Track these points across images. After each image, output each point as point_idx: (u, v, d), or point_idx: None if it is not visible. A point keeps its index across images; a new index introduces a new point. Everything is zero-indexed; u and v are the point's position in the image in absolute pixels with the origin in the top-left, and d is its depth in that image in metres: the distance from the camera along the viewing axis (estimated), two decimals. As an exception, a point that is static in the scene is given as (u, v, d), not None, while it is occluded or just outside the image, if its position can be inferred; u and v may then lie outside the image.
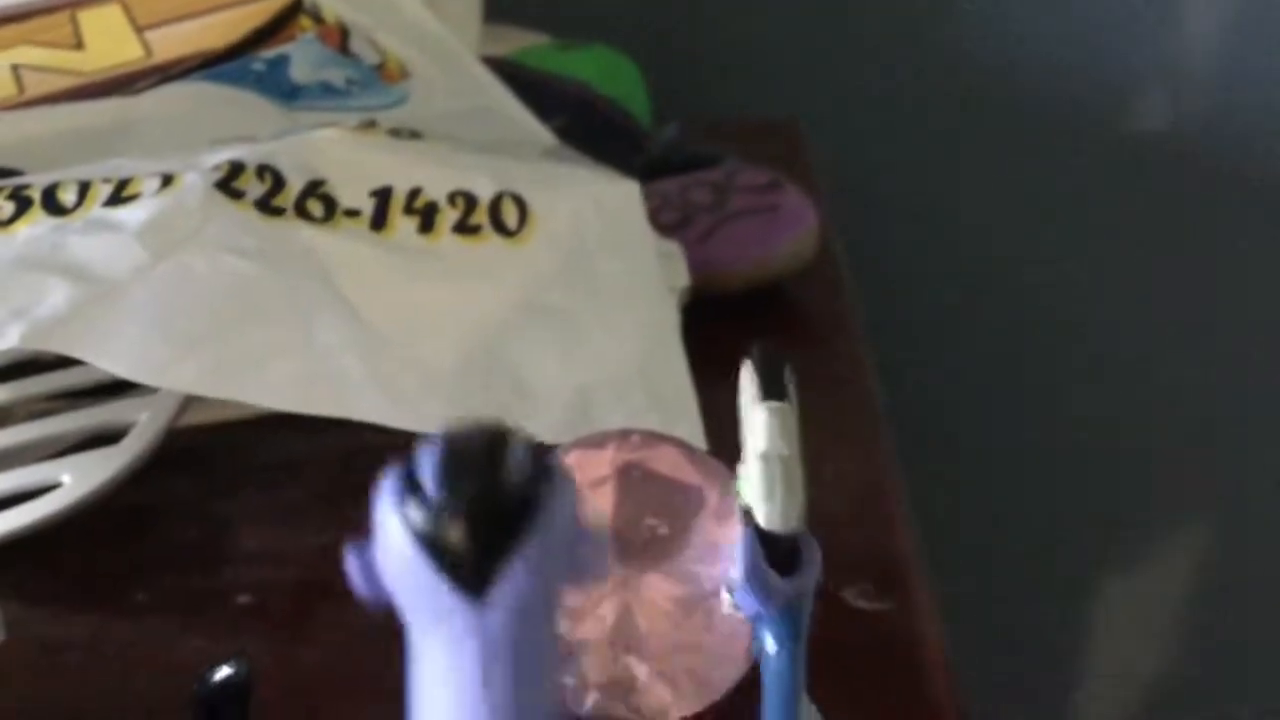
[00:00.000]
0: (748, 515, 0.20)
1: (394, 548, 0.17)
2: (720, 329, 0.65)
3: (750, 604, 0.21)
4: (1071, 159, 1.05)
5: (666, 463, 0.42)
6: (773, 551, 0.20)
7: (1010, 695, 1.10)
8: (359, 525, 0.19)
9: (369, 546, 0.17)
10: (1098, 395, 1.10)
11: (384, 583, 0.17)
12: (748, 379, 0.20)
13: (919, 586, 0.47)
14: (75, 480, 0.48)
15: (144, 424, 0.48)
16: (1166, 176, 1.04)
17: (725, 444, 0.53)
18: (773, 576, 0.21)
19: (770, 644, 0.22)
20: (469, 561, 0.16)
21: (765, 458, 0.20)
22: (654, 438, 0.43)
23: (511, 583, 0.16)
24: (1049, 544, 1.12)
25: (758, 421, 0.20)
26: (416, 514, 0.16)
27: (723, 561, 0.42)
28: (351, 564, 0.18)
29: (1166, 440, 1.10)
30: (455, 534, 0.16)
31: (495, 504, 0.16)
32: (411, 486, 0.17)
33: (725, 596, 0.21)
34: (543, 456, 0.17)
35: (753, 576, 0.20)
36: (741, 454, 0.21)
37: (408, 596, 0.17)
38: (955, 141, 1.05)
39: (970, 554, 1.07)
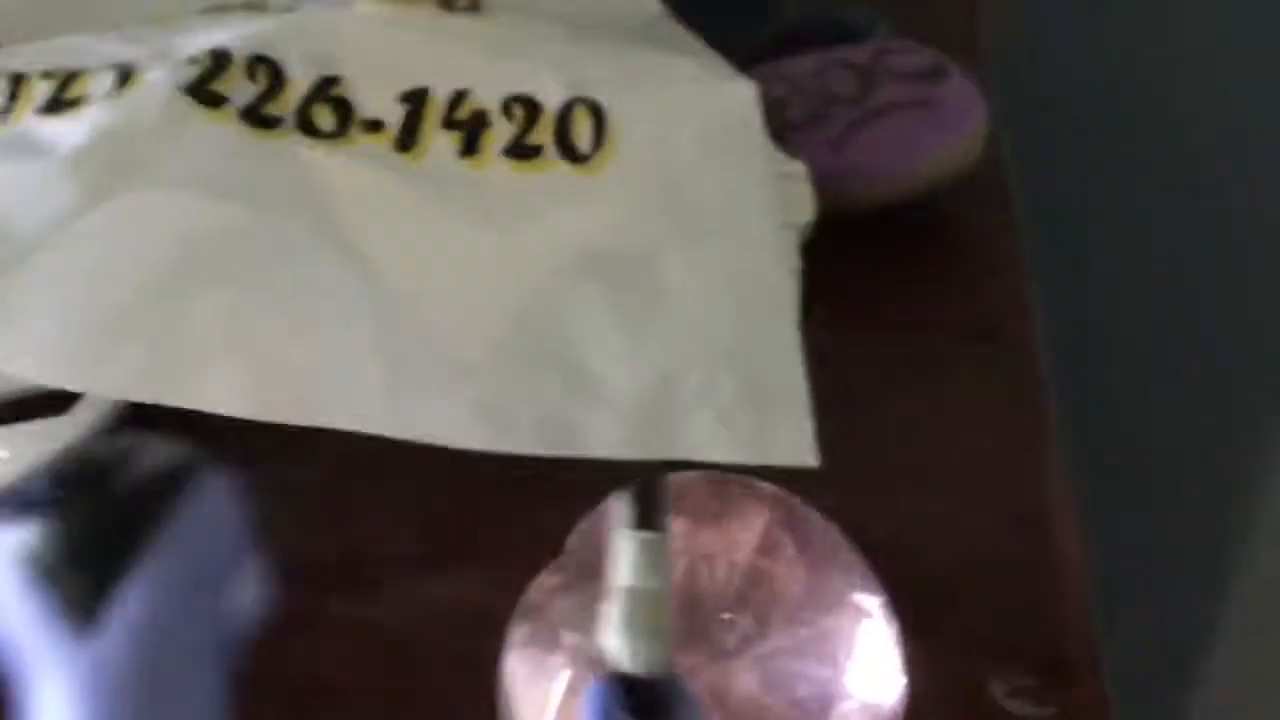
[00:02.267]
0: (608, 657, 0.18)
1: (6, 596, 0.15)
2: (850, 258, 0.52)
3: None
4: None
5: (751, 535, 0.31)
6: (636, 696, 0.18)
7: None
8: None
9: None
10: None
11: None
12: (619, 505, 0.19)
13: (1092, 684, 0.35)
14: (15, 453, 0.38)
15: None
16: None
17: (848, 435, 0.42)
18: None
19: None
20: (79, 581, 0.14)
21: (626, 592, 0.19)
22: (743, 493, 0.32)
23: (133, 608, 0.14)
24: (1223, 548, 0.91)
25: (622, 552, 0.19)
26: (21, 527, 0.14)
27: (832, 662, 0.30)
28: None
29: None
30: (57, 557, 0.14)
31: (110, 507, 0.15)
32: (19, 502, 0.15)
33: None
34: (179, 455, 0.16)
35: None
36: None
37: (15, 635, 0.15)
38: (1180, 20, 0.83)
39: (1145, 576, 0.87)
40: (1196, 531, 0.90)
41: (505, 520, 0.39)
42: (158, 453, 0.15)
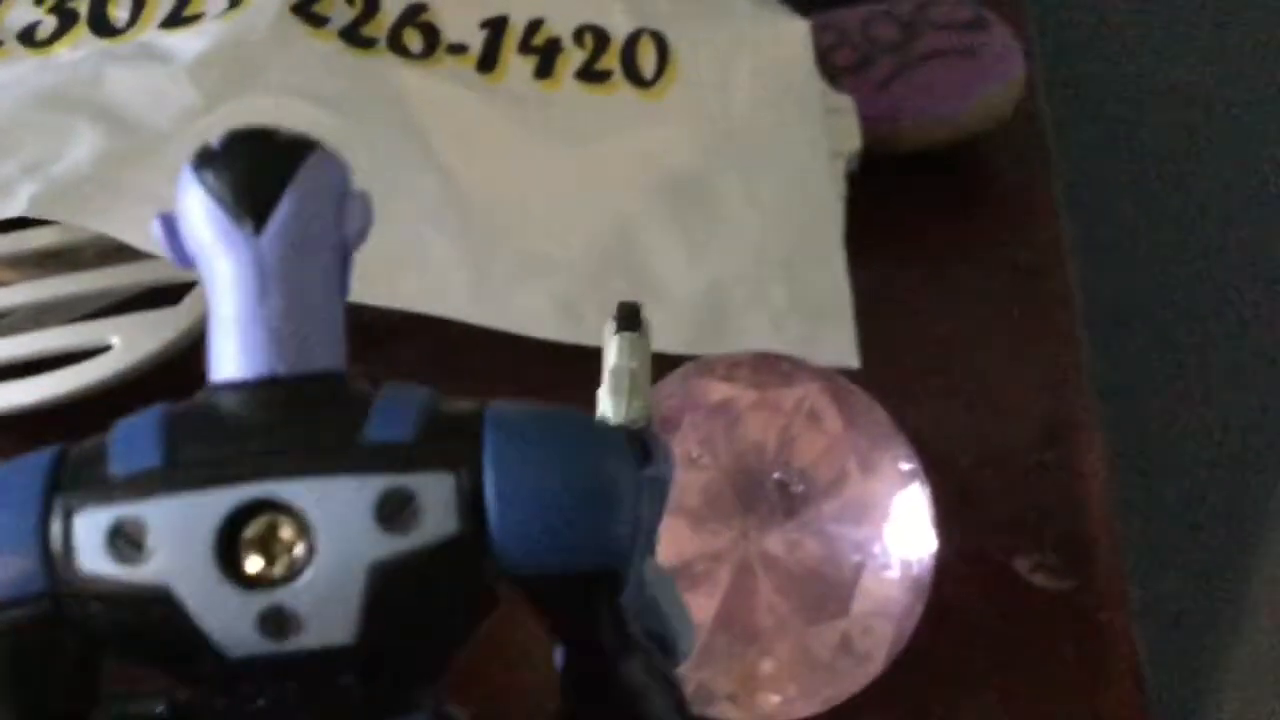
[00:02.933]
0: (601, 417, 0.25)
1: (189, 201, 0.20)
2: (895, 193, 0.56)
3: None
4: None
5: (802, 404, 0.34)
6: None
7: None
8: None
9: (173, 214, 0.21)
10: None
11: (186, 242, 0.21)
12: (607, 326, 0.26)
13: (1112, 566, 0.38)
14: (125, 343, 0.42)
15: (207, 284, 0.42)
16: None
17: (891, 351, 0.45)
18: None
19: None
20: (246, 200, 0.20)
21: (613, 370, 0.25)
22: (793, 368, 0.35)
23: (281, 217, 0.20)
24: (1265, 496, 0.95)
25: (609, 348, 0.25)
26: (206, 173, 0.20)
27: (871, 524, 0.34)
28: (158, 228, 0.21)
29: None
30: (235, 179, 0.20)
31: (267, 157, 0.20)
32: (204, 157, 0.20)
33: None
34: (306, 137, 0.21)
35: None
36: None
37: (202, 242, 0.20)
38: None
39: (1167, 507, 0.90)
40: (1220, 462, 0.93)
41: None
42: (293, 135, 0.21)
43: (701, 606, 0.33)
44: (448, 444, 0.20)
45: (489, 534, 0.20)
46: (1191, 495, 0.93)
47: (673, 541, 0.34)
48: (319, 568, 0.19)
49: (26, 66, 0.39)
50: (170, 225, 0.21)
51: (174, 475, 0.20)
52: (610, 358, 0.25)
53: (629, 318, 0.25)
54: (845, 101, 0.50)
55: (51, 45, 0.39)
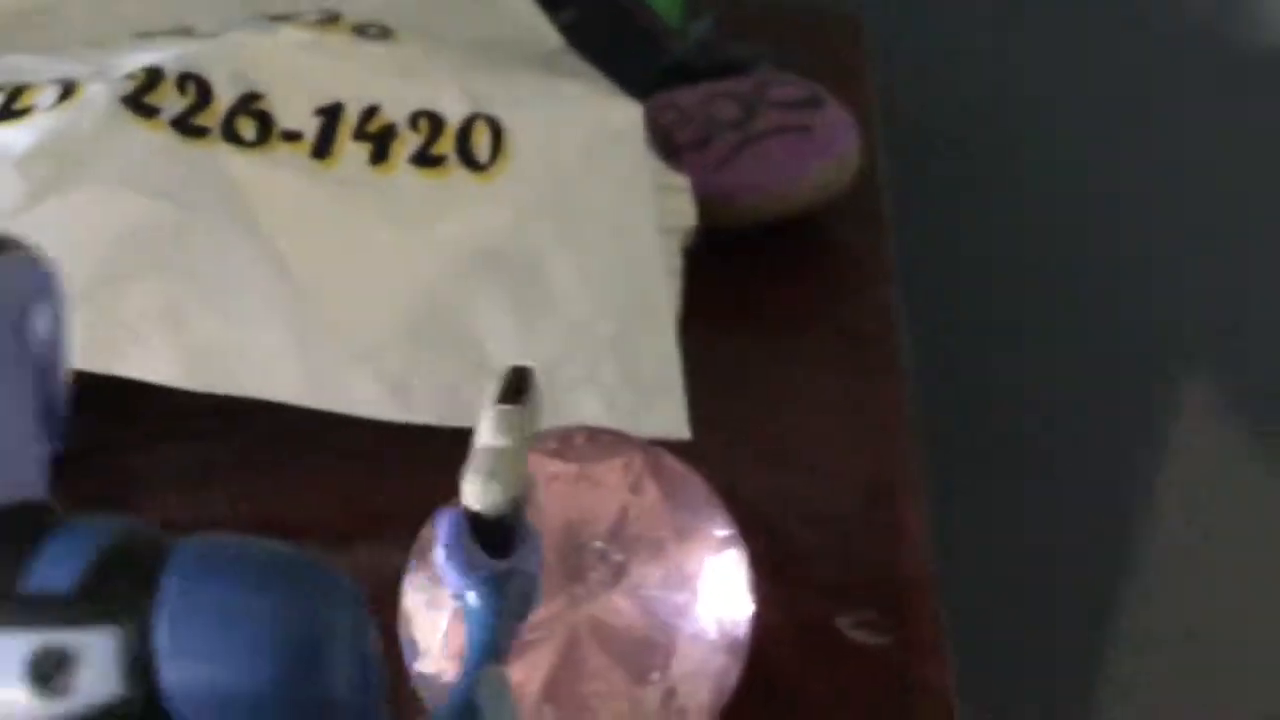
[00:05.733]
0: (462, 498, 0.23)
1: None
2: (734, 268, 0.58)
3: (454, 579, 0.23)
4: (1189, 81, 0.90)
5: (621, 477, 0.35)
6: (484, 533, 0.23)
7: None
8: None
9: None
10: (1178, 391, 0.94)
11: None
12: (488, 392, 0.24)
13: (930, 620, 0.40)
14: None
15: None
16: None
17: (723, 418, 0.47)
18: (476, 552, 0.23)
19: (471, 600, 0.24)
20: None
21: (483, 448, 0.23)
22: (615, 440, 0.36)
23: None
24: (1077, 561, 0.97)
25: (484, 419, 0.23)
26: None
27: (689, 589, 0.35)
28: None
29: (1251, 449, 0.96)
30: None
31: None
32: None
33: (438, 565, 0.23)
34: None
35: (450, 545, 0.22)
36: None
37: None
38: (1053, 55, 0.90)
39: (985, 566, 0.95)
40: (1032, 517, 0.97)
41: (412, 490, 0.43)
42: None
43: (530, 676, 0.34)
44: (117, 591, 0.18)
45: (160, 696, 0.18)
46: (1013, 551, 0.97)
47: (501, 613, 0.35)
48: None
49: None
50: None
51: None
52: (482, 433, 0.23)
53: (511, 385, 0.24)
54: (679, 180, 0.52)
55: (-122, 138, 0.40)
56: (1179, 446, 0.95)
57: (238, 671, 0.18)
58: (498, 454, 0.23)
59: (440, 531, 0.22)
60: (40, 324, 0.19)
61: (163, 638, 0.18)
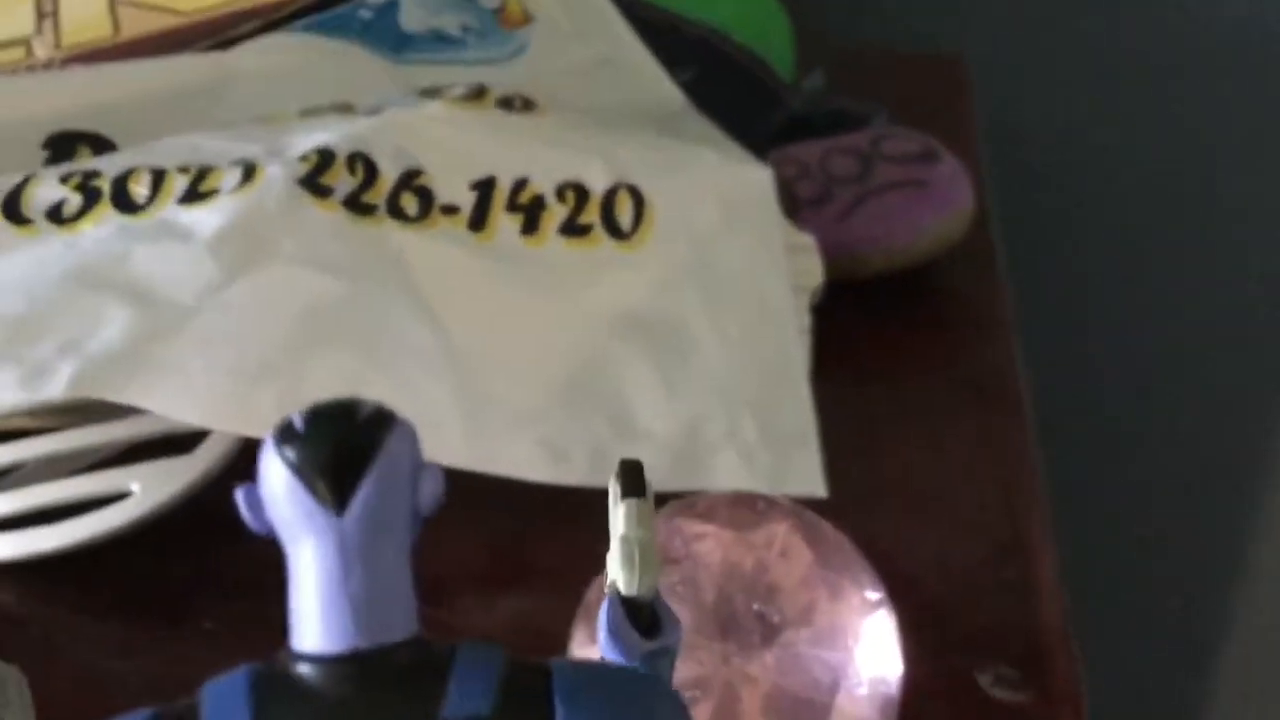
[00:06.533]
0: (613, 586, 0.25)
1: (273, 479, 0.22)
2: (856, 318, 0.59)
3: (615, 658, 0.26)
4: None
5: (775, 541, 0.37)
6: (634, 617, 0.25)
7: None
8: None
9: (254, 485, 0.22)
10: None
11: (267, 512, 0.22)
12: (613, 486, 0.26)
13: (1066, 675, 0.41)
14: (145, 489, 0.45)
15: (219, 432, 0.45)
16: None
17: (855, 473, 0.48)
18: (633, 634, 0.25)
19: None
20: (330, 482, 0.21)
21: (624, 539, 0.25)
22: (766, 506, 0.38)
23: (363, 498, 0.21)
24: (1210, 604, 0.97)
25: (618, 513, 0.26)
26: (289, 450, 0.21)
27: (843, 648, 0.37)
28: (240, 500, 0.22)
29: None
30: (319, 461, 0.21)
31: (349, 436, 0.22)
32: (287, 434, 0.22)
33: (601, 648, 0.25)
34: (385, 411, 0.22)
35: (615, 633, 0.25)
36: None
37: (284, 518, 0.22)
38: (1159, 100, 0.90)
39: (1120, 615, 0.94)
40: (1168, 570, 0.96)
41: (563, 543, 0.45)
42: (375, 406, 0.22)
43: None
44: (525, 714, 0.21)
45: None
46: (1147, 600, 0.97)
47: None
48: None
49: (54, 245, 0.42)
50: (251, 496, 0.22)
51: None
52: (619, 525, 0.25)
53: (633, 479, 0.26)
54: (807, 240, 0.54)
55: (77, 222, 0.43)
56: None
57: None
58: (642, 544, 0.25)
59: (602, 618, 0.25)
60: (427, 483, 0.22)
61: None
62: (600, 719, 0.22)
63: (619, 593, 0.25)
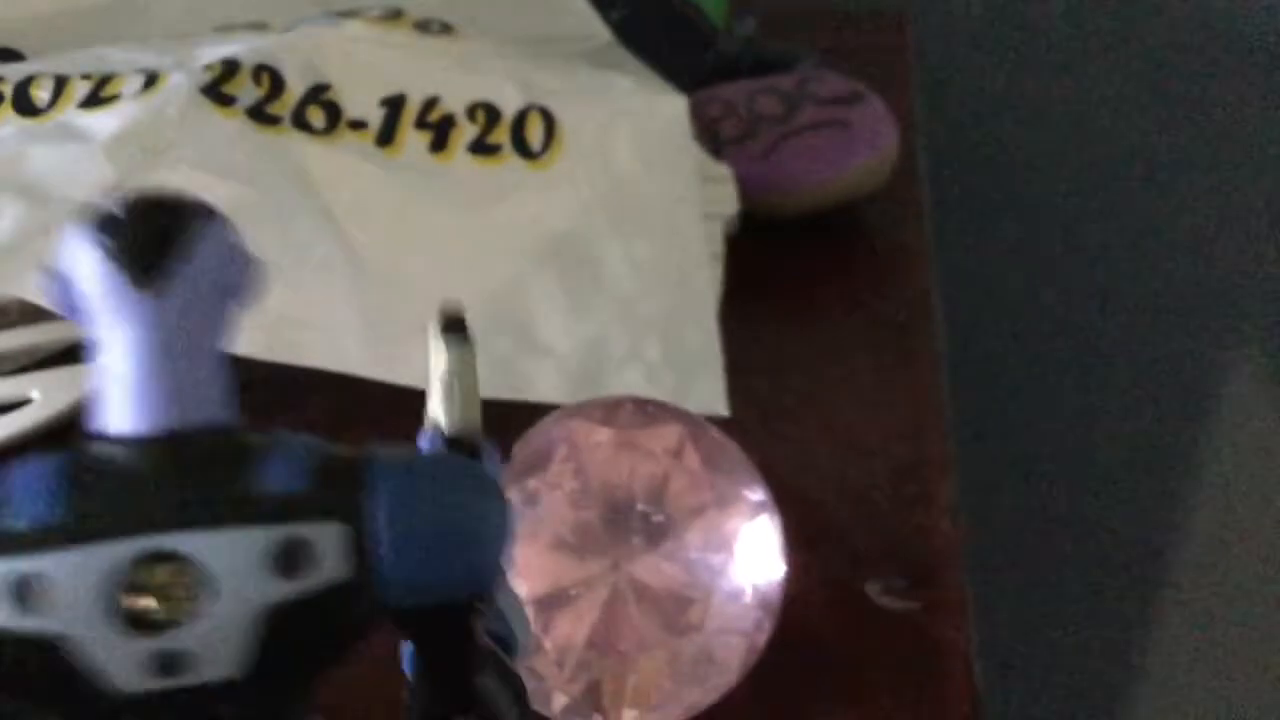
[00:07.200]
0: (434, 424, 0.26)
1: (83, 262, 0.21)
2: (779, 256, 0.60)
3: None
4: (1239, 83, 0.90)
5: (664, 444, 0.38)
6: (455, 451, 0.26)
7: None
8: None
9: (63, 271, 0.22)
10: (1221, 379, 0.96)
11: (77, 298, 0.21)
12: (433, 330, 0.26)
13: (955, 586, 0.42)
14: (45, 397, 0.45)
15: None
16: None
17: (761, 398, 0.49)
18: None
19: None
20: (146, 264, 0.21)
21: (444, 377, 0.26)
22: (658, 411, 0.39)
23: (180, 283, 0.21)
24: (1106, 552, 0.99)
25: (439, 355, 0.26)
26: (105, 233, 0.21)
27: (725, 550, 0.37)
28: (48, 284, 0.22)
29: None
30: (134, 242, 0.21)
31: (165, 219, 0.21)
32: (103, 218, 0.21)
33: None
34: (204, 202, 0.22)
35: None
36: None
37: (96, 301, 0.21)
38: (1098, 61, 0.92)
39: (1015, 549, 0.97)
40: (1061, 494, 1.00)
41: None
42: (191, 200, 0.22)
43: (575, 629, 0.37)
44: (339, 492, 0.21)
45: (377, 575, 0.22)
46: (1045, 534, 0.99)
47: (549, 570, 0.37)
48: (215, 613, 0.21)
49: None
50: (63, 281, 0.21)
51: (75, 529, 0.20)
52: (439, 365, 0.26)
53: (453, 322, 0.26)
54: (723, 170, 0.55)
55: (-23, 124, 0.43)
56: (1219, 432, 0.97)
57: (436, 552, 0.22)
58: (462, 381, 0.25)
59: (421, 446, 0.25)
60: (245, 274, 0.22)
61: (381, 529, 0.22)
62: (419, 502, 0.22)
63: (441, 432, 0.25)
